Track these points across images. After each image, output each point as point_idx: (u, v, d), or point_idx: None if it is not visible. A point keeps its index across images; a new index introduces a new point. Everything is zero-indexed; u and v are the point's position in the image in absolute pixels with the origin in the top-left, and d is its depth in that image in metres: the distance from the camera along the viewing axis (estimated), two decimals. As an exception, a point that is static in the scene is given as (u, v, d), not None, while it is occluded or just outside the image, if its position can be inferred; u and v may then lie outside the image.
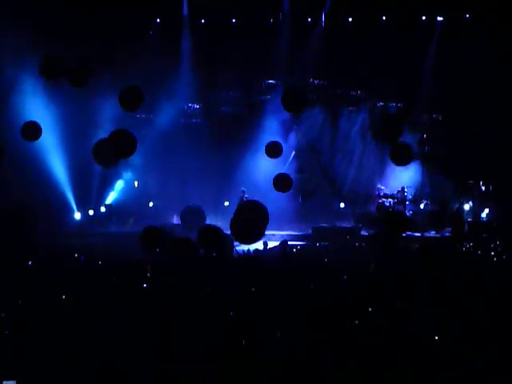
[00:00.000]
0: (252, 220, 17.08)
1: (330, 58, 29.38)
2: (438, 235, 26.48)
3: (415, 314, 10.25)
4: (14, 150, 23.20)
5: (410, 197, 28.75)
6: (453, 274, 13.97)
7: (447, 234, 26.56)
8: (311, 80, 30.66)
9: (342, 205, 29.82)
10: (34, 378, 8.17)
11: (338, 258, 18.57)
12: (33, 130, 21.62)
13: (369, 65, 28.12)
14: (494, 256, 18.21)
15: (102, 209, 29.93)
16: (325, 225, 27.71)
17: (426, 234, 26.31)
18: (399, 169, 28.60)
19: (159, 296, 11.39)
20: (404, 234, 19.86)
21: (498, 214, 27.10)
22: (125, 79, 23.91)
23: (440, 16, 29.24)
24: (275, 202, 23.10)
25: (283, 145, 23.13)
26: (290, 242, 21.58)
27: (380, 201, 28.58)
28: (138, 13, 27.93)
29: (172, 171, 29.40)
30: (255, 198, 22.47)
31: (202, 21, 30.65)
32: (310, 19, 30.16)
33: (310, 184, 31.03)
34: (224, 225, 17.12)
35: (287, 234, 25.28)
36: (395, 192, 28.65)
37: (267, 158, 23.34)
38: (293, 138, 30.83)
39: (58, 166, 27.24)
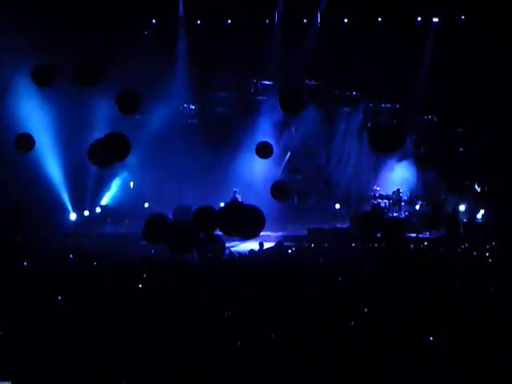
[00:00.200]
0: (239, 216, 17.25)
1: (325, 59, 29.39)
2: (432, 236, 26.47)
3: (411, 315, 10.26)
4: (9, 150, 23.24)
5: (406, 198, 28.75)
6: (449, 274, 14.00)
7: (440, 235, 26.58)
8: (306, 81, 30.67)
9: (338, 206, 29.82)
10: (31, 379, 8.16)
11: (333, 258, 18.58)
12: (26, 142, 21.70)
13: (364, 65, 28.10)
14: (489, 257, 18.24)
15: (98, 209, 29.90)
16: (320, 226, 27.67)
17: (421, 235, 26.34)
18: (395, 170, 28.79)
19: (156, 296, 11.38)
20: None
21: (494, 215, 27.12)
22: (120, 80, 23.88)
23: (435, 17, 29.25)
24: (270, 202, 23.11)
25: (277, 145, 23.16)
26: (285, 243, 21.59)
27: (375, 202, 28.58)
28: (133, 13, 27.89)
29: (168, 172, 29.36)
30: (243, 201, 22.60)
31: (198, 21, 30.62)
32: (305, 20, 30.14)
33: (305, 185, 31.05)
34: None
35: (282, 235, 25.29)
36: (390, 193, 28.67)
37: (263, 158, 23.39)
38: (287, 138, 30.83)
39: (53, 167, 27.22)
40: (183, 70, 30.24)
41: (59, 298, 11.39)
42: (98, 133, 23.23)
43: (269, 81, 31.10)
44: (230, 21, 30.19)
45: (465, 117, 29.41)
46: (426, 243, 22.96)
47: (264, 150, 23.77)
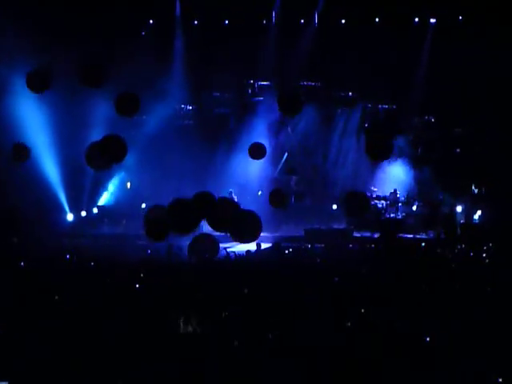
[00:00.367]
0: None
1: (323, 59, 29.38)
2: (429, 237, 26.47)
3: (409, 315, 10.26)
4: (5, 150, 23.22)
5: (403, 198, 28.75)
6: (446, 275, 14.01)
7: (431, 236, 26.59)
8: (304, 82, 30.66)
9: (335, 206, 29.79)
10: (27, 379, 8.15)
11: (330, 259, 18.58)
12: (20, 153, 21.74)
13: (361, 66, 28.11)
14: (486, 258, 18.25)
15: (95, 210, 29.88)
16: (317, 226, 27.65)
17: (418, 236, 26.36)
18: (392, 171, 28.79)
19: (154, 297, 11.38)
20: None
21: (491, 215, 27.12)
22: (118, 80, 23.85)
23: (433, 18, 29.25)
24: (267, 203, 23.09)
25: (274, 146, 23.18)
26: (282, 244, 21.59)
27: (372, 202, 28.58)
28: (130, 13, 27.88)
29: (165, 172, 29.32)
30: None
31: (195, 22, 30.61)
32: (302, 20, 30.13)
33: (302, 185, 31.05)
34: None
35: (279, 236, 25.28)
36: (388, 194, 28.69)
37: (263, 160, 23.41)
38: (284, 139, 30.83)
39: (51, 167, 27.20)
40: (180, 70, 30.22)
41: (56, 297, 11.38)
42: (95, 133, 23.24)
43: (266, 81, 31.10)
44: (227, 21, 30.19)
45: (462, 117, 29.40)
46: (423, 244, 22.96)
47: (257, 151, 23.79)
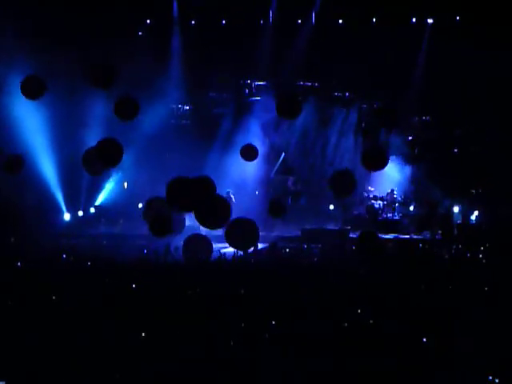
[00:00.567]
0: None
1: (320, 59, 29.37)
2: (421, 236, 26.47)
3: (407, 316, 10.27)
4: (3, 150, 23.18)
5: (400, 199, 28.78)
6: (443, 275, 14.02)
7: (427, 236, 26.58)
8: (301, 82, 30.67)
9: (331, 206, 29.79)
10: (25, 379, 8.16)
11: (327, 259, 18.59)
12: (14, 164, 21.72)
13: (358, 66, 28.11)
14: (482, 258, 18.26)
15: (92, 210, 29.86)
16: (314, 226, 27.62)
17: (415, 237, 26.37)
18: (389, 171, 28.77)
19: (151, 296, 11.39)
20: None
21: (488, 216, 27.15)
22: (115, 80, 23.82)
23: (430, 18, 29.27)
24: (263, 203, 23.11)
25: (271, 145, 23.16)
26: (278, 244, 21.57)
27: (369, 203, 28.60)
28: (128, 13, 27.86)
29: (162, 172, 29.26)
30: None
31: (192, 22, 30.60)
32: (299, 20, 30.12)
33: (299, 185, 31.04)
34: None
35: (276, 236, 25.25)
36: (385, 194, 28.71)
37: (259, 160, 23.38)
38: (281, 139, 30.81)
39: (48, 167, 27.18)
40: (177, 70, 30.21)
41: (53, 297, 11.38)
42: (93, 133, 23.24)
43: (263, 81, 31.10)
44: (224, 21, 30.17)
45: (460, 117, 29.43)
46: (420, 244, 22.98)
47: (248, 153, 23.82)
